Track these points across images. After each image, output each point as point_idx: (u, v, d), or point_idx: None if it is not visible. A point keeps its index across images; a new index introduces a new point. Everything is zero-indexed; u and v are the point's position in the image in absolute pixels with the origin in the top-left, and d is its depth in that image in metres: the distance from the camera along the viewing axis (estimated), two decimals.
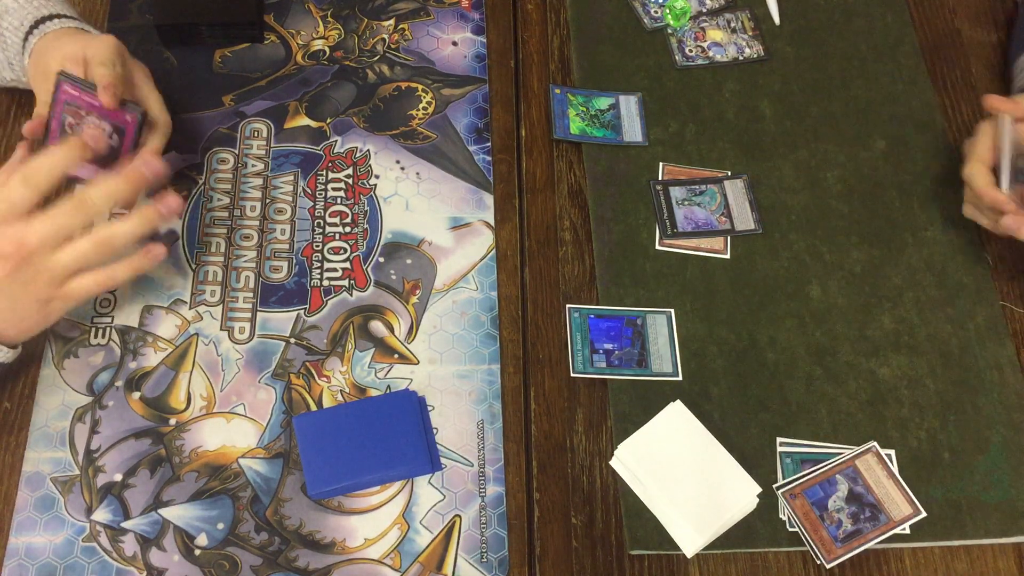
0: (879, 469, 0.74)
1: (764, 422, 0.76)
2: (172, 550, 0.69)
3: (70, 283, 0.66)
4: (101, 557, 0.69)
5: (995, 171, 0.77)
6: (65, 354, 0.76)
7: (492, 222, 0.84)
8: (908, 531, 0.72)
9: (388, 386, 0.76)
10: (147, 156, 0.68)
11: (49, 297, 0.66)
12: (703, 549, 0.71)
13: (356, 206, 0.84)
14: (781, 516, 0.72)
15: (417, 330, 0.79)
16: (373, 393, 0.76)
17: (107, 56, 0.74)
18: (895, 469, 0.74)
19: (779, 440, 0.75)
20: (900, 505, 0.72)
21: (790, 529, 0.72)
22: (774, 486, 0.73)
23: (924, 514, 0.72)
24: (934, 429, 0.77)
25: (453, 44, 0.94)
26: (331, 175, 0.85)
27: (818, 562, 0.71)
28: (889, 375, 0.79)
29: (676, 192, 0.86)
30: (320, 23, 0.94)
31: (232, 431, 0.74)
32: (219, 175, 0.85)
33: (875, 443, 0.74)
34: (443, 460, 0.74)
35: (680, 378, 0.78)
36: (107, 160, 0.74)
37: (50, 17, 0.78)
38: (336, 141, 0.87)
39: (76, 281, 0.66)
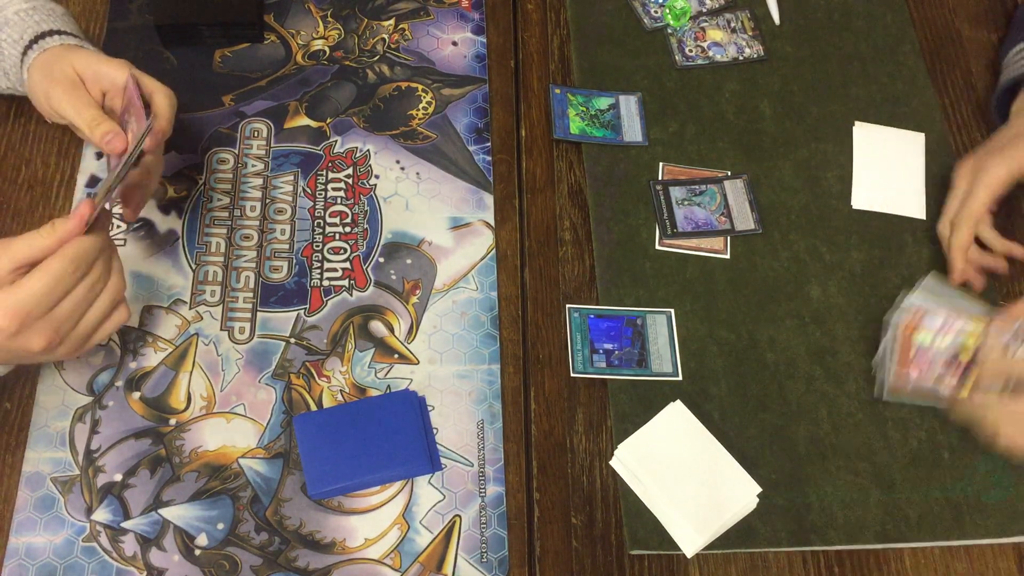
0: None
1: (764, 422, 0.76)
2: (172, 550, 0.69)
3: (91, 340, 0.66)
4: (101, 557, 0.69)
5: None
6: None
7: (492, 222, 0.84)
8: None
9: (388, 386, 0.76)
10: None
11: (74, 352, 0.66)
12: (703, 549, 0.71)
13: (356, 206, 0.84)
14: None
15: (417, 330, 0.79)
16: (373, 393, 0.76)
17: (156, 85, 0.75)
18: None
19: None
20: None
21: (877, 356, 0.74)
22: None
23: None
24: (934, 429, 0.77)
25: (453, 44, 0.94)
26: (331, 175, 0.85)
27: (876, 394, 0.73)
28: None
29: (676, 192, 0.86)
30: (320, 23, 0.94)
31: (232, 431, 0.74)
32: (219, 175, 0.85)
33: None
34: (443, 460, 0.74)
35: (680, 378, 0.78)
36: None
37: (50, 32, 0.77)
38: (336, 141, 0.87)
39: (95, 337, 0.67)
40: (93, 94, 0.75)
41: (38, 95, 0.78)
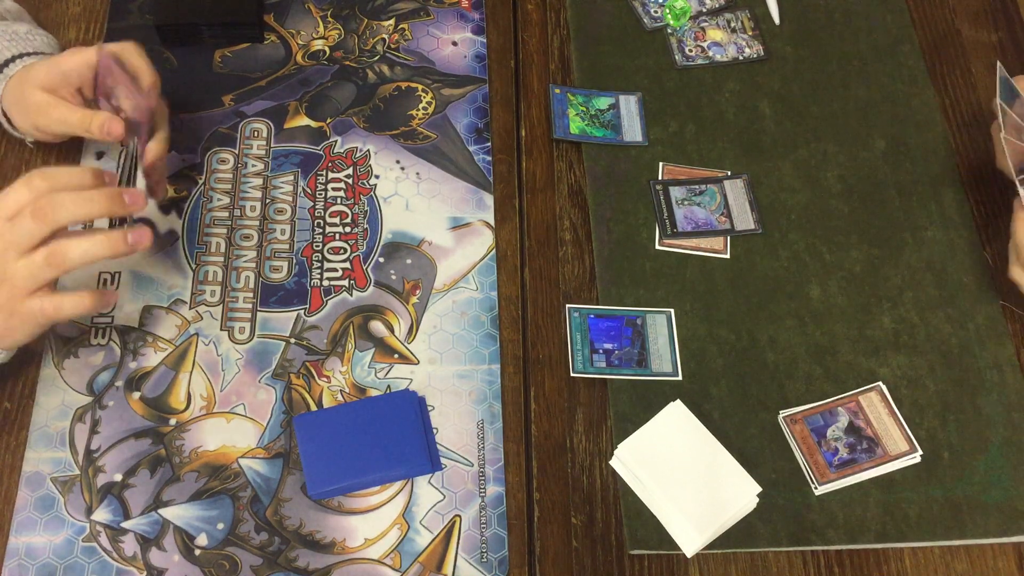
0: (881, 407, 0.76)
1: (764, 422, 0.76)
2: (172, 550, 0.69)
3: (28, 300, 0.63)
4: (101, 557, 0.69)
5: None
6: (65, 354, 0.76)
7: (492, 222, 0.84)
8: (910, 461, 0.74)
9: (388, 386, 0.76)
10: (134, 191, 0.67)
11: (10, 309, 0.64)
12: (703, 549, 0.71)
13: (356, 206, 0.84)
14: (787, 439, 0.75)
15: (417, 330, 0.79)
16: (373, 393, 0.76)
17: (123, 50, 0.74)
18: (896, 409, 0.76)
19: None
20: (897, 441, 0.75)
21: (792, 453, 0.74)
22: (779, 413, 0.76)
23: (919, 453, 0.74)
24: (934, 429, 0.77)
25: (453, 44, 0.94)
26: (331, 175, 0.85)
27: (811, 486, 0.73)
28: (889, 375, 0.79)
29: (676, 192, 0.86)
30: (320, 23, 0.94)
31: (232, 431, 0.74)
32: (219, 175, 0.85)
33: (881, 383, 0.77)
34: (443, 460, 0.74)
35: (680, 378, 0.78)
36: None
37: (11, 59, 0.77)
38: (336, 141, 0.87)
39: (32, 300, 0.64)
40: (68, 98, 0.74)
41: (28, 130, 0.78)
